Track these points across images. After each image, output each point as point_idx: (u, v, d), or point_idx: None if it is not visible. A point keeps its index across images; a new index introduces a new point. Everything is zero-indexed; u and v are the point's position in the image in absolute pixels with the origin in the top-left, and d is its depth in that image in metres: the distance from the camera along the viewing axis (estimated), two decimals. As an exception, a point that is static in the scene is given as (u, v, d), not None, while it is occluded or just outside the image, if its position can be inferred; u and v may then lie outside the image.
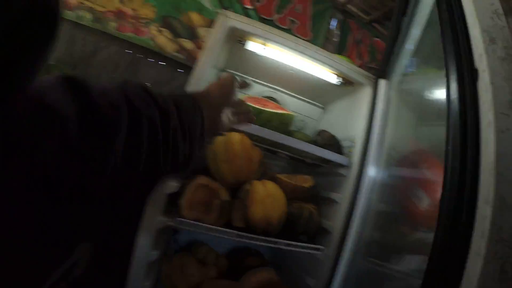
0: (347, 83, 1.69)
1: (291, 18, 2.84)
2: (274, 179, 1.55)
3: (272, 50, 1.56)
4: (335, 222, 1.51)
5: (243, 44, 1.54)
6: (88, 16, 2.34)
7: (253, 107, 1.52)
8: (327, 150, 1.53)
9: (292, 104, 2.11)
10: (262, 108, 1.53)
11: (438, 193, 0.82)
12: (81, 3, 2.33)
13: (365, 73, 1.65)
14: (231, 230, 1.31)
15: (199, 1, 2.53)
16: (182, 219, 1.28)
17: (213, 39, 1.43)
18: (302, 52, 1.52)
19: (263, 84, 2.07)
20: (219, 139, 1.44)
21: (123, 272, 1.20)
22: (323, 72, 1.65)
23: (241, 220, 1.38)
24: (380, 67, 1.66)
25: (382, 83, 1.59)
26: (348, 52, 3.11)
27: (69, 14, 2.32)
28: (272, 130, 1.42)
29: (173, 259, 1.57)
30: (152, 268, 1.40)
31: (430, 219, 1.06)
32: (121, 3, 2.40)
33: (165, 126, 0.56)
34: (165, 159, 0.56)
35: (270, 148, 1.67)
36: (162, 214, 1.27)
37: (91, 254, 0.59)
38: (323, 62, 1.56)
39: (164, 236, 1.55)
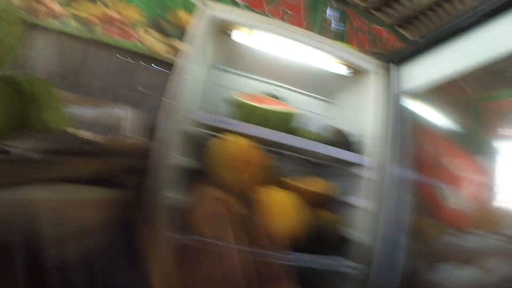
0: (352, 70, 1.52)
1: (284, 9, 2.67)
2: (282, 184, 1.40)
3: (260, 39, 1.43)
4: (360, 231, 1.35)
5: (228, 34, 1.40)
6: (73, 23, 2.23)
7: (247, 104, 1.37)
8: (342, 150, 1.38)
9: (294, 100, 1.93)
10: (256, 105, 1.37)
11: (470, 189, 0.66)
12: (65, 10, 2.22)
13: (374, 60, 1.47)
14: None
15: (184, -3, 2.38)
16: (200, 238, 1.15)
17: (194, 32, 1.30)
18: (292, 38, 1.37)
19: (260, 80, 1.90)
20: (216, 142, 1.31)
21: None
22: (322, 60, 1.49)
23: (249, 234, 1.22)
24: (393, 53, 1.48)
25: (395, 69, 1.42)
26: (347, 40, 2.93)
27: (54, 23, 2.22)
28: (270, 129, 1.27)
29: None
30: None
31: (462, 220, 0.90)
32: (105, 7, 2.28)
33: None
34: None
35: (273, 150, 1.48)
36: (176, 231, 1.18)
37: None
38: (320, 49, 1.40)
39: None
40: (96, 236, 1.04)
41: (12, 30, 1.01)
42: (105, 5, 2.30)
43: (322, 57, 1.46)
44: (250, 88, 1.84)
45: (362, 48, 3.01)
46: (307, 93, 1.99)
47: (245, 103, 1.40)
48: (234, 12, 1.35)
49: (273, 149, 1.47)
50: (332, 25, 2.89)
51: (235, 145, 1.27)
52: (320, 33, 2.74)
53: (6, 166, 0.67)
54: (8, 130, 0.88)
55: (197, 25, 1.30)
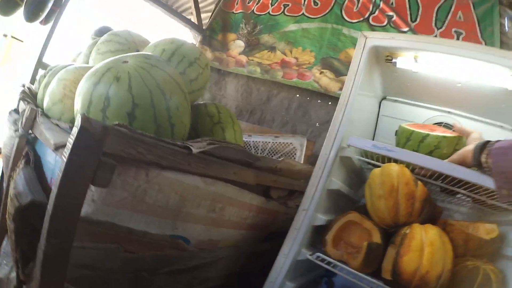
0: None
1: (456, 29, 2.36)
2: (443, 225, 1.18)
3: (427, 61, 1.32)
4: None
5: (393, 63, 1.37)
6: (258, 70, 2.73)
7: (416, 132, 1.29)
8: None
9: (470, 128, 1.65)
10: (427, 132, 1.27)
11: None
12: (251, 60, 2.77)
13: None
14: (373, 280, 1.07)
15: (353, 36, 2.51)
16: (322, 255, 1.16)
17: (356, 63, 1.33)
18: (462, 55, 1.19)
19: (431, 108, 1.74)
20: (376, 171, 1.22)
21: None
22: (503, 77, 1.24)
23: (390, 271, 1.08)
24: None
25: None
26: None
27: (242, 70, 2.80)
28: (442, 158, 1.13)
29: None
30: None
31: None
32: (283, 55, 2.68)
33: None
34: None
35: (442, 186, 1.24)
36: (304, 246, 1.21)
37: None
38: (500, 64, 1.15)
39: (309, 273, 1.43)
40: (243, 232, 1.22)
41: (204, 72, 1.36)
42: (283, 53, 2.71)
43: (503, 74, 1.24)
44: (422, 117, 1.71)
45: None
46: (487, 119, 1.66)
47: (413, 130, 1.31)
48: (394, 38, 1.33)
49: (439, 183, 1.23)
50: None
51: (391, 174, 1.17)
52: (499, 47, 2.29)
53: (188, 158, 0.90)
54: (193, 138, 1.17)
55: (359, 56, 1.33)
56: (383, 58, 1.40)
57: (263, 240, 1.43)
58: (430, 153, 1.22)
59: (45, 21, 3.73)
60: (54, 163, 1.00)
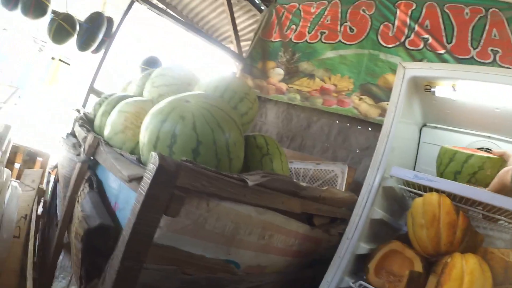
0: None
1: (492, 48, 2.30)
2: (483, 253, 1.18)
3: (465, 89, 1.35)
4: None
5: (432, 92, 1.41)
6: (298, 97, 2.82)
7: (460, 152, 1.31)
8: None
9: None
10: (471, 153, 1.29)
11: None
12: (291, 87, 2.86)
13: None
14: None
15: (390, 61, 2.53)
16: (364, 284, 1.19)
17: (396, 93, 1.39)
18: (500, 82, 1.21)
19: (471, 134, 1.73)
20: (417, 201, 1.26)
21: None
22: None
23: None
24: None
25: None
26: None
27: (282, 98, 2.88)
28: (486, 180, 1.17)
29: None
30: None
31: None
32: (322, 82, 2.74)
33: None
34: None
35: (484, 213, 1.25)
36: (347, 274, 1.25)
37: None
38: None
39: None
40: (288, 258, 1.26)
41: (254, 106, 1.45)
42: (322, 80, 2.78)
43: None
44: (462, 143, 1.70)
45: None
46: None
47: (457, 151, 1.33)
48: (432, 68, 1.37)
49: (481, 211, 1.25)
50: None
51: (433, 203, 1.19)
52: None
53: (244, 190, 0.97)
54: (245, 170, 1.24)
55: (399, 86, 1.39)
56: (422, 87, 1.44)
57: (306, 267, 1.46)
58: (474, 174, 1.23)
59: (96, 51, 4.07)
60: (118, 189, 1.11)
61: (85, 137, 1.38)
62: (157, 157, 0.73)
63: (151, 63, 3.40)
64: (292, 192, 1.21)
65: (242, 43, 3.52)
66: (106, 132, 1.36)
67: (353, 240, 1.27)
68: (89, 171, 1.34)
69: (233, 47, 3.51)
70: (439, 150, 1.45)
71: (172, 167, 0.75)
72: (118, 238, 0.80)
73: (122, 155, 1.13)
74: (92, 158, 1.31)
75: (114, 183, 1.16)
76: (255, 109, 1.49)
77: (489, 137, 1.67)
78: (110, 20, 3.87)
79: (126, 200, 1.00)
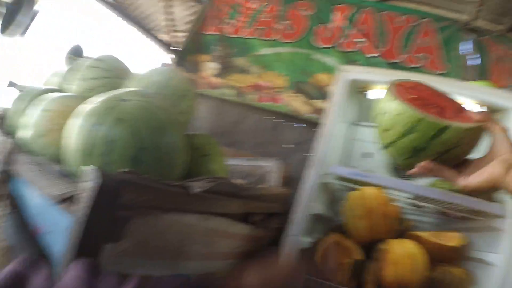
0: (496, 111, 1.40)
1: (420, 54, 2.58)
2: (414, 238, 1.35)
3: None
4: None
5: (365, 94, 1.50)
6: (231, 92, 2.77)
7: (429, 122, 0.70)
8: (476, 199, 1.24)
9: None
10: (447, 123, 0.70)
11: None
12: (224, 82, 2.80)
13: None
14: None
15: (324, 62, 2.64)
16: (311, 277, 1.24)
17: (335, 95, 1.47)
18: None
19: None
20: (354, 194, 1.39)
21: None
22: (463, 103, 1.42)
23: (373, 284, 1.23)
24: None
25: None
26: (492, 74, 2.55)
27: (215, 93, 2.82)
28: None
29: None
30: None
31: None
32: (257, 78, 2.75)
33: None
34: None
35: (408, 201, 1.49)
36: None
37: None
38: (458, 94, 1.33)
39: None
40: (232, 262, 1.25)
41: (194, 104, 1.38)
42: (257, 76, 2.78)
43: (466, 103, 1.41)
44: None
45: (506, 77, 2.56)
46: None
47: (423, 118, 1.28)
48: (369, 73, 1.47)
49: (407, 199, 1.48)
50: (468, 60, 2.60)
51: (369, 197, 1.33)
52: (459, 71, 2.52)
53: (188, 198, 0.92)
54: (185, 175, 1.18)
55: (337, 88, 1.46)
56: (359, 89, 1.53)
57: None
58: (445, 152, 0.81)
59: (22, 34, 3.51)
60: (43, 208, 0.93)
61: (1, 142, 1.18)
62: (97, 172, 0.64)
63: (79, 52, 3.01)
64: (234, 194, 1.20)
65: (177, 34, 3.31)
66: (27, 134, 1.15)
67: (296, 236, 1.35)
68: (7, 184, 1.11)
69: (167, 38, 3.30)
70: (383, 106, 0.81)
71: (115, 183, 0.65)
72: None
73: (47, 165, 0.98)
74: (9, 168, 1.09)
75: (36, 200, 0.96)
76: (195, 108, 1.42)
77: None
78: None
79: (54, 222, 0.83)
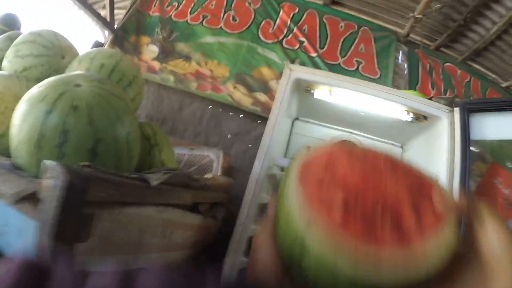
0: (420, 118, 1.60)
1: (357, 59, 2.83)
2: None
3: (338, 94, 1.59)
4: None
5: (311, 93, 1.59)
6: (171, 78, 2.70)
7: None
8: None
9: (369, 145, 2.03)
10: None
11: None
12: (164, 67, 2.72)
13: (438, 104, 1.54)
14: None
15: (267, 56, 2.72)
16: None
17: (281, 92, 1.54)
18: (367, 93, 1.51)
19: (337, 129, 2.06)
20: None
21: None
22: (393, 109, 1.60)
23: None
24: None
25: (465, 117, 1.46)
26: (421, 83, 2.95)
27: (154, 77, 2.72)
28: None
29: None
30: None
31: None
32: (198, 66, 2.72)
33: None
34: None
35: None
36: (243, 255, 1.39)
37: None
38: (391, 100, 1.52)
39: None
40: (186, 251, 1.27)
41: (141, 91, 1.33)
42: (198, 64, 2.75)
43: (393, 107, 1.58)
44: (328, 136, 2.01)
45: (437, 89, 3.00)
46: (382, 139, 2.10)
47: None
48: (315, 74, 1.57)
49: None
50: (404, 69, 2.96)
51: None
52: (393, 79, 2.84)
53: (146, 191, 0.90)
54: (139, 166, 1.15)
55: (284, 86, 1.53)
56: (303, 88, 1.61)
57: (200, 254, 1.49)
58: None
59: None
60: None
61: None
62: (62, 169, 0.60)
63: (11, 23, 2.53)
64: (186, 185, 1.20)
65: (116, 11, 3.02)
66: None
67: (246, 225, 1.41)
68: None
69: (104, 13, 3.00)
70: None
71: (82, 180, 0.62)
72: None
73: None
74: None
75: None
76: (143, 94, 1.36)
77: (351, 132, 2.04)
78: None
79: (6, 222, 0.72)
